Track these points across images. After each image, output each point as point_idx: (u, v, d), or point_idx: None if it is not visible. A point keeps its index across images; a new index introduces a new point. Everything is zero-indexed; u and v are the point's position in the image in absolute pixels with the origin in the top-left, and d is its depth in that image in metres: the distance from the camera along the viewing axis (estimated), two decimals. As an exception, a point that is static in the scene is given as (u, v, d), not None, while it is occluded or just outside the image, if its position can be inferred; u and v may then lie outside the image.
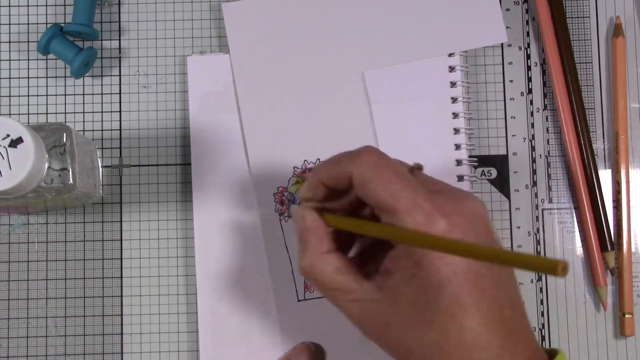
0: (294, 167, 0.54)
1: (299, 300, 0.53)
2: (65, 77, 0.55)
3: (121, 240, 0.54)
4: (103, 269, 0.54)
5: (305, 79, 0.54)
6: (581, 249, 0.55)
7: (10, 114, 0.55)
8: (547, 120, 0.56)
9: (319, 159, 0.53)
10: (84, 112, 0.55)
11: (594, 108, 0.56)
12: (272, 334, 0.53)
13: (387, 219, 0.41)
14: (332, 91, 0.54)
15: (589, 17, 0.57)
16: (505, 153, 0.56)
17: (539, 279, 0.55)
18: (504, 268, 0.41)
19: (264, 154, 0.53)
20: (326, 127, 0.54)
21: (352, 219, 0.43)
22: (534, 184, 0.56)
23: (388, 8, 0.55)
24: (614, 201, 0.55)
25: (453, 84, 0.54)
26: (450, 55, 0.54)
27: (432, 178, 0.43)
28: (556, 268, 0.30)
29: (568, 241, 0.55)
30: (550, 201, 0.55)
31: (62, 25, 0.54)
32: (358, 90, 0.54)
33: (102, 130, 0.55)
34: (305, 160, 0.53)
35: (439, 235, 0.39)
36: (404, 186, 0.40)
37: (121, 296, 0.54)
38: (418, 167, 0.43)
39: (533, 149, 0.56)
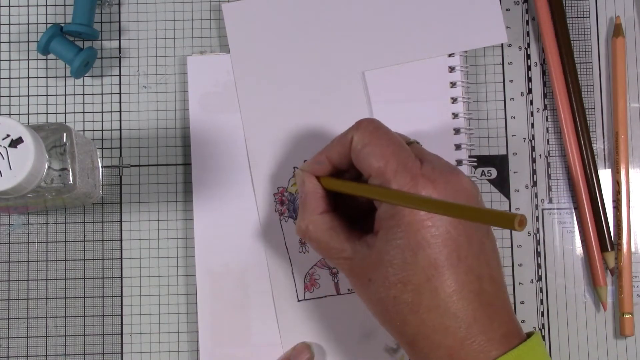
0: (294, 167, 0.54)
1: (299, 300, 0.53)
2: (65, 77, 0.55)
3: (121, 240, 0.54)
4: (103, 269, 0.54)
5: (305, 79, 0.54)
6: (581, 249, 0.55)
7: (10, 114, 0.55)
8: (547, 120, 0.56)
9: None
10: (84, 112, 0.55)
11: (594, 108, 0.56)
12: (272, 334, 0.53)
13: (375, 182, 0.43)
14: (333, 91, 0.54)
15: (589, 17, 0.57)
16: (505, 153, 0.56)
17: (539, 279, 0.55)
18: (485, 240, 0.42)
19: (265, 154, 0.54)
20: (327, 127, 0.54)
21: (343, 181, 0.46)
22: (534, 184, 0.56)
23: (388, 8, 0.55)
24: (614, 201, 0.55)
25: (453, 84, 0.54)
26: (450, 55, 0.54)
27: (428, 152, 0.45)
28: (513, 222, 0.32)
29: (568, 241, 0.55)
30: (550, 201, 0.55)
31: (62, 25, 0.54)
32: (358, 91, 0.54)
33: (102, 130, 0.55)
34: (305, 161, 0.53)
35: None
36: (395, 150, 0.43)
37: (121, 296, 0.54)
38: (416, 142, 0.46)
39: (533, 149, 0.56)
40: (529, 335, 0.42)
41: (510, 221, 0.32)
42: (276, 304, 0.53)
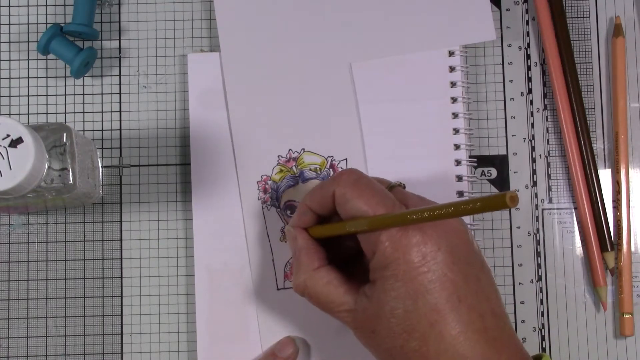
0: (278, 156, 0.54)
1: (278, 289, 0.53)
2: (65, 77, 0.55)
3: (121, 240, 0.54)
4: (103, 269, 0.54)
5: (293, 68, 0.54)
6: (581, 249, 0.55)
7: (10, 114, 0.55)
8: (547, 120, 0.56)
9: (303, 149, 0.54)
10: (84, 112, 0.55)
11: (594, 108, 0.56)
12: None
13: (365, 233, 0.43)
14: (319, 81, 0.54)
15: (589, 17, 0.57)
16: (505, 153, 0.56)
17: (539, 279, 0.55)
18: (481, 275, 0.42)
19: (249, 142, 0.53)
20: (313, 116, 0.54)
21: (329, 225, 0.46)
22: (534, 184, 0.56)
23: (377, 1, 0.55)
24: (614, 201, 0.55)
25: (453, 84, 0.54)
26: (450, 55, 0.54)
27: (412, 194, 0.45)
28: (505, 200, 0.32)
29: (568, 241, 0.55)
30: (550, 201, 0.55)
31: (62, 25, 0.54)
32: (345, 82, 0.54)
33: (102, 130, 0.55)
34: (290, 150, 0.54)
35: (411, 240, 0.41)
36: (381, 200, 0.43)
37: (121, 296, 0.54)
38: (399, 185, 0.45)
39: (533, 149, 0.56)
40: (536, 358, 0.43)
41: (502, 201, 0.32)
42: (255, 291, 0.53)
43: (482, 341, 0.40)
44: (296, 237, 0.47)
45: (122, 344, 0.53)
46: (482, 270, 0.43)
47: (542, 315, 0.54)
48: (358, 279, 0.45)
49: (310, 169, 0.53)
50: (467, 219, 0.53)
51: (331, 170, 0.53)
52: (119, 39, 0.55)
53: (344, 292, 0.44)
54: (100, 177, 0.54)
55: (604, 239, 0.54)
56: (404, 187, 0.47)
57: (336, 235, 0.46)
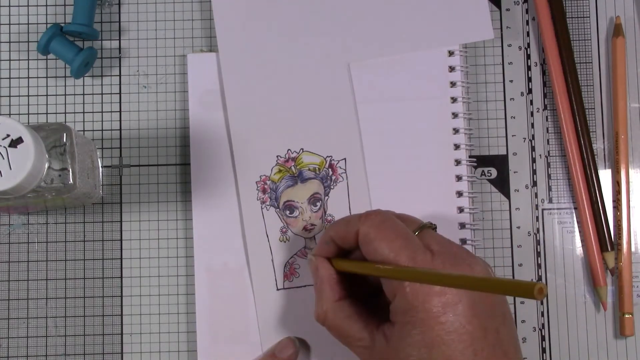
0: (277, 156, 0.54)
1: (277, 289, 0.53)
2: (65, 77, 0.55)
3: (121, 240, 0.54)
4: (103, 269, 0.54)
5: (291, 68, 0.54)
6: (581, 249, 0.55)
7: (10, 114, 0.55)
8: (547, 120, 0.56)
9: (302, 149, 0.54)
10: (84, 112, 0.55)
11: (594, 108, 0.56)
12: None
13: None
14: (318, 81, 0.54)
15: (589, 17, 0.57)
16: (505, 153, 0.56)
17: (539, 279, 0.55)
18: (502, 328, 0.42)
19: (248, 142, 0.53)
20: (311, 116, 0.54)
21: (353, 261, 0.46)
22: (534, 184, 0.56)
23: (375, 1, 0.55)
24: (614, 201, 0.55)
25: (453, 84, 0.54)
26: (450, 54, 0.54)
27: (440, 238, 0.45)
28: (533, 291, 0.31)
29: (568, 241, 0.55)
30: (550, 201, 0.55)
31: (62, 25, 0.54)
32: (344, 82, 0.54)
33: (102, 130, 0.55)
34: (288, 150, 0.53)
35: (423, 270, 0.41)
36: (404, 244, 0.43)
37: (121, 296, 0.54)
38: (429, 226, 0.45)
39: (533, 149, 0.56)
40: None
41: (530, 290, 0.31)
42: (255, 292, 0.53)
43: None
44: (318, 267, 0.47)
45: (122, 344, 0.53)
46: (504, 323, 0.42)
47: (542, 315, 0.54)
48: (378, 315, 0.45)
49: (309, 169, 0.54)
50: (467, 218, 0.53)
51: (330, 170, 0.53)
52: (119, 39, 0.56)
53: (363, 327, 0.44)
54: (100, 177, 0.54)
55: (604, 239, 0.54)
56: (435, 228, 0.46)
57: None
